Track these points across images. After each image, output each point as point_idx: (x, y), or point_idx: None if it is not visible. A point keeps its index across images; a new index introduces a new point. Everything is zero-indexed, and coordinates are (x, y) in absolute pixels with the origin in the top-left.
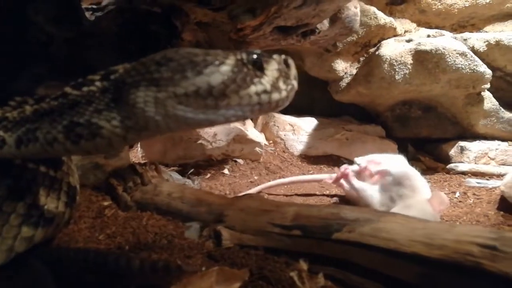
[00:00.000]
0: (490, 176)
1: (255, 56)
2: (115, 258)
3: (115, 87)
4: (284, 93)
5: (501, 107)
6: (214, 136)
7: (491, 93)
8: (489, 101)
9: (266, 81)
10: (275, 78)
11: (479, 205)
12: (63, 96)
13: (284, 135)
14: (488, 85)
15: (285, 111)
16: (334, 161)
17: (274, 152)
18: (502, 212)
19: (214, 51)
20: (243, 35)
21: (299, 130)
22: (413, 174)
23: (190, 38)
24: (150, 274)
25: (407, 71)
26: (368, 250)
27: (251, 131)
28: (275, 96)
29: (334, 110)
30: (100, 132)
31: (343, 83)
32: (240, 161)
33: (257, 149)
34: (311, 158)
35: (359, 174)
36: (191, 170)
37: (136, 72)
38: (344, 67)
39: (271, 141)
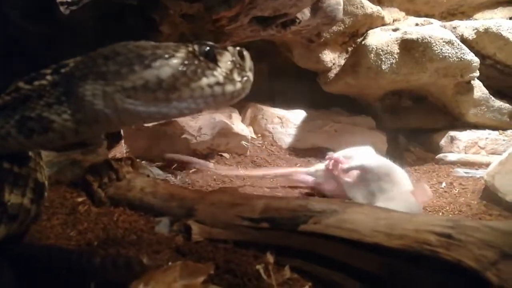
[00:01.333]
0: (479, 165)
1: (207, 48)
2: (78, 255)
3: (65, 81)
4: (238, 85)
5: (491, 96)
6: (199, 130)
7: (482, 82)
8: (479, 90)
9: (219, 73)
10: (229, 70)
11: (463, 195)
12: (16, 91)
13: (272, 128)
14: (477, 74)
15: (274, 104)
16: (322, 153)
17: (261, 145)
18: (484, 202)
19: (166, 44)
20: (220, 26)
21: (288, 122)
22: (391, 166)
23: (169, 31)
24: (112, 270)
25: (394, 61)
26: (333, 241)
27: (237, 124)
28: (229, 88)
29: (324, 102)
30: (52, 126)
31: (332, 74)
32: (226, 155)
33: (243, 142)
34: (299, 151)
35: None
36: (175, 165)
37: (85, 65)
38: (332, 58)
39: (259, 135)
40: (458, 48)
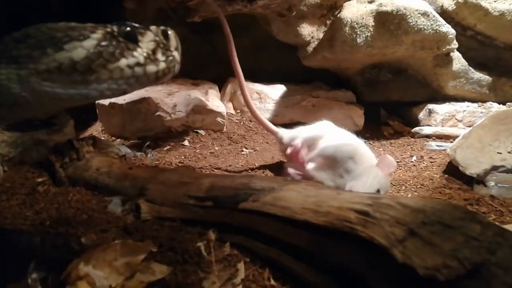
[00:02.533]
0: (455, 138)
1: (127, 28)
2: (17, 235)
3: None
4: (162, 65)
5: (470, 68)
6: (174, 107)
7: (462, 53)
8: (458, 62)
9: (139, 53)
10: (151, 50)
11: (429, 169)
12: None
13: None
14: (455, 46)
15: (255, 79)
16: None
17: (239, 121)
18: (446, 175)
19: (82, 26)
20: (181, 2)
21: (266, 98)
22: (353, 144)
23: (133, 7)
24: (51, 249)
25: (369, 34)
26: (269, 219)
27: (212, 101)
28: (151, 68)
29: (306, 76)
30: None
31: (310, 48)
32: (201, 132)
33: (219, 119)
34: (277, 126)
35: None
36: (148, 143)
37: None
38: (310, 31)
39: (238, 111)
40: (433, 20)
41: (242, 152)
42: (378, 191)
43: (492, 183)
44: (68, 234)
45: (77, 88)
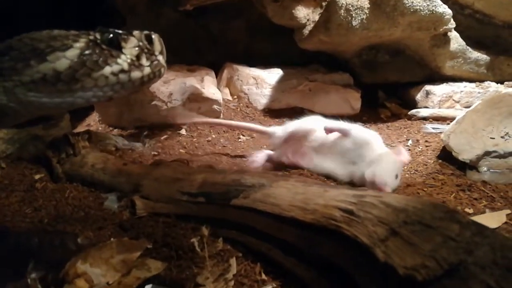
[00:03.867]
0: (452, 120)
1: (110, 35)
2: (16, 236)
3: None
4: (147, 70)
5: (468, 47)
6: (170, 96)
7: (461, 33)
8: (456, 42)
9: (123, 60)
10: (135, 56)
11: (424, 153)
12: None
13: (248, 90)
14: (452, 25)
15: (251, 63)
16: (297, 113)
17: (236, 107)
18: (440, 161)
19: (65, 34)
20: None
21: (263, 83)
22: (367, 132)
23: None
24: (49, 249)
25: (364, 16)
26: (259, 215)
27: (208, 88)
28: (136, 74)
29: (303, 58)
30: None
31: (306, 31)
32: None
33: (215, 106)
34: (274, 112)
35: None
36: (145, 133)
37: None
38: (305, 14)
39: (235, 96)
40: (429, 0)
41: (239, 140)
42: (396, 176)
43: (485, 169)
44: (66, 233)
45: (63, 96)
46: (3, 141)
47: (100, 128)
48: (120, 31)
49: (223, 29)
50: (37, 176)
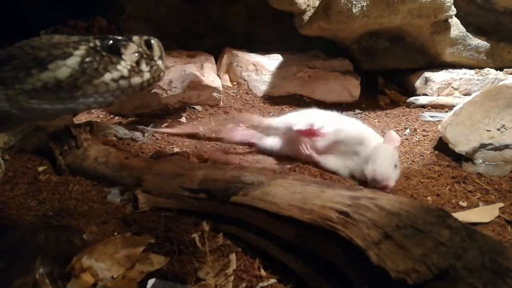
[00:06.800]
0: (450, 108)
1: (110, 42)
2: (23, 232)
3: None
4: (147, 75)
5: (468, 34)
6: (170, 83)
7: (462, 19)
8: (456, 28)
9: (123, 67)
10: (134, 61)
11: (421, 143)
12: None
13: (247, 76)
14: (453, 12)
15: (251, 49)
16: (297, 100)
17: (236, 94)
18: (437, 152)
19: (65, 41)
20: None
21: (262, 69)
22: (358, 126)
23: None
24: (55, 246)
25: (365, 4)
26: (257, 212)
27: (208, 76)
28: (136, 80)
29: (303, 44)
30: None
31: (306, 17)
32: (198, 107)
33: (215, 94)
34: (273, 99)
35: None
36: (151, 124)
37: None
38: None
39: (235, 83)
40: None
41: (239, 127)
42: (395, 166)
43: (480, 161)
44: (71, 229)
45: (64, 103)
46: (6, 133)
47: (101, 116)
48: (119, 37)
49: (223, 14)
50: (40, 168)
